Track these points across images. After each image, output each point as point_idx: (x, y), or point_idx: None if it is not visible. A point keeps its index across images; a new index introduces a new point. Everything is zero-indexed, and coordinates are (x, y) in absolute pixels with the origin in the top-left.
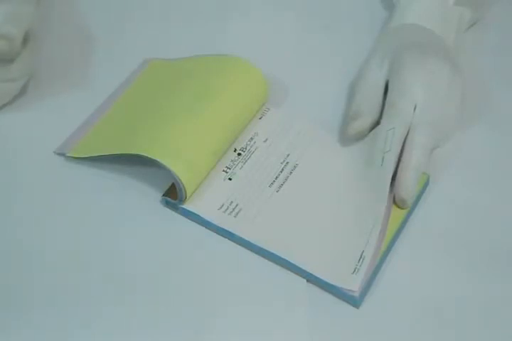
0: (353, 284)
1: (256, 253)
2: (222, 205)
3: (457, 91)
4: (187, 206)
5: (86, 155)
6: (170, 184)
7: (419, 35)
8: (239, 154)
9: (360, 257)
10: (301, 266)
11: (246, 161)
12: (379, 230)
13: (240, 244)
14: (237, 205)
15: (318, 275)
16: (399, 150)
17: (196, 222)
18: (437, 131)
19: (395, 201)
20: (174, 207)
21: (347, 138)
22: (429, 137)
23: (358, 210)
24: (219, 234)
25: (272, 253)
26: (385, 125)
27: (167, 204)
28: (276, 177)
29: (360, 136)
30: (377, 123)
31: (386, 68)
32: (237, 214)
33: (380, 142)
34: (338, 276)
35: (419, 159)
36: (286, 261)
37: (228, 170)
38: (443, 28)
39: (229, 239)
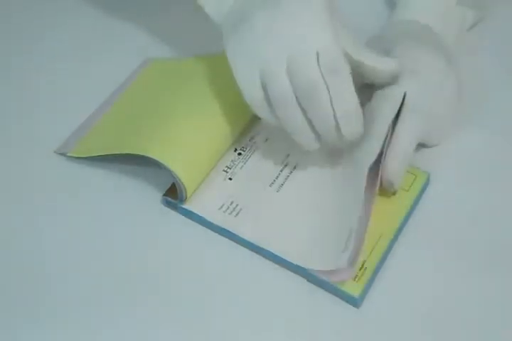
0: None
1: (256, 253)
2: (223, 205)
3: (450, 86)
4: (187, 206)
5: (86, 155)
6: (170, 184)
7: (418, 30)
8: (239, 154)
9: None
10: (301, 266)
11: (246, 161)
12: (360, 216)
13: (240, 244)
14: (237, 205)
15: (318, 275)
16: (386, 132)
17: (196, 222)
18: (427, 121)
19: (383, 185)
20: (174, 207)
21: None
22: (417, 124)
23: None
24: (219, 233)
25: (272, 253)
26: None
27: (167, 204)
28: (277, 177)
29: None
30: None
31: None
32: (237, 214)
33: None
34: (339, 277)
35: (405, 143)
36: (286, 261)
37: (228, 170)
38: (444, 26)
39: (229, 238)
